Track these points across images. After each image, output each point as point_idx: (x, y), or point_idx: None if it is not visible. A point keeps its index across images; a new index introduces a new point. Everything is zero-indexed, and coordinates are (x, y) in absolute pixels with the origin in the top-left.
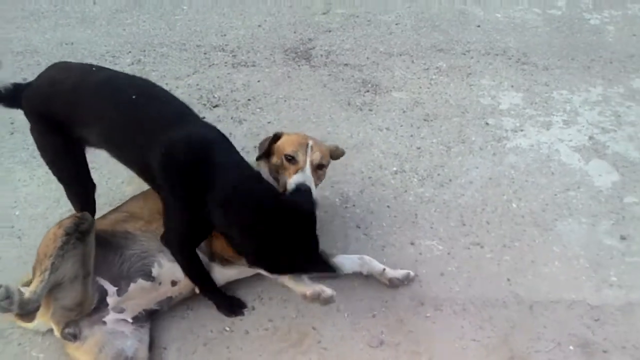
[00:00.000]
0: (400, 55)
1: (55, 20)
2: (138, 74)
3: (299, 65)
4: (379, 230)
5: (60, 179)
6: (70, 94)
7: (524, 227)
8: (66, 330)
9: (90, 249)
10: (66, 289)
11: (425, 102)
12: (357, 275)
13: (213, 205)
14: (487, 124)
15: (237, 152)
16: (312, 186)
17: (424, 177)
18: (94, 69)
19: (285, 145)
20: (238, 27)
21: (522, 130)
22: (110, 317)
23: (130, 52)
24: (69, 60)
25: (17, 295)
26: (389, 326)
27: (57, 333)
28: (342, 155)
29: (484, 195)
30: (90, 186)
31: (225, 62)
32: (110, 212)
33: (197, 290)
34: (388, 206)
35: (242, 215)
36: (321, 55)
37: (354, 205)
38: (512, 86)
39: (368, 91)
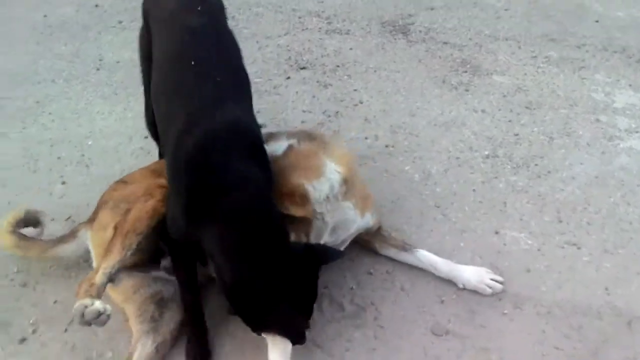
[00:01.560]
0: (507, 40)
1: None
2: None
3: (395, 39)
4: (460, 213)
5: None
6: (161, 13)
7: (631, 235)
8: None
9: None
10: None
11: (529, 89)
12: None
13: (212, 216)
14: (597, 120)
15: (267, 160)
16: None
17: (519, 165)
18: (198, 8)
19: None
20: None
21: (637, 132)
22: (158, 273)
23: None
24: None
25: (102, 306)
26: (459, 316)
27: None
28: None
29: (587, 194)
30: None
31: (319, 28)
32: None
33: None
34: (474, 190)
35: (240, 239)
36: (420, 32)
37: (435, 184)
38: (630, 85)
39: (466, 71)
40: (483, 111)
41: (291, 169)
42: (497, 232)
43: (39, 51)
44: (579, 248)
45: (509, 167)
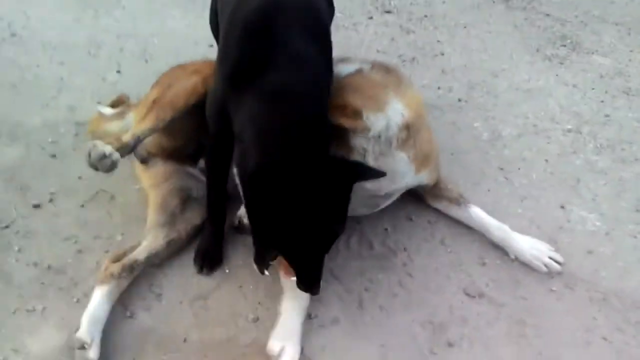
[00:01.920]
0: (616, 24)
1: None
2: None
3: (493, 1)
4: (525, 180)
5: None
6: None
7: None
8: (140, 152)
9: None
10: (170, 135)
11: (632, 75)
12: None
13: (256, 88)
14: None
15: (331, 54)
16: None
17: (603, 146)
18: None
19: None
20: None
21: None
22: (194, 171)
23: None
24: None
25: (110, 150)
26: (499, 282)
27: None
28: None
29: None
30: None
31: None
32: None
33: None
34: (546, 160)
35: (280, 122)
36: (522, 0)
37: (504, 146)
38: None
39: (565, 46)
40: (574, 86)
41: (352, 90)
42: (562, 207)
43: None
44: None
45: (591, 145)
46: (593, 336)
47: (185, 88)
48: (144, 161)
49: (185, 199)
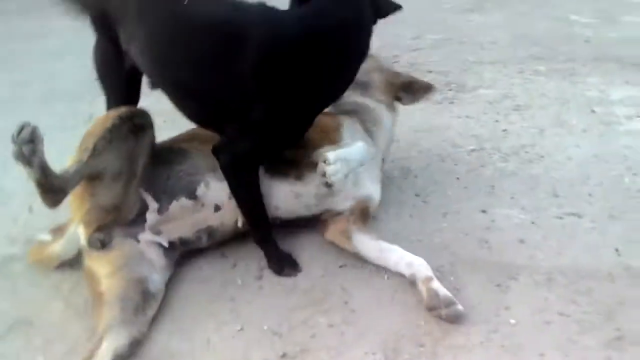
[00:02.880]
0: (493, 63)
1: None
2: None
3: None
4: (443, 199)
5: (105, 93)
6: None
7: None
8: (95, 235)
9: (142, 149)
10: (107, 185)
11: (517, 95)
12: (406, 238)
13: None
14: (593, 111)
15: None
16: None
17: (507, 154)
18: None
19: None
20: None
21: (639, 117)
22: (146, 236)
23: None
24: None
25: (41, 145)
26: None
27: (83, 240)
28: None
29: (585, 170)
30: None
31: None
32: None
33: (239, 224)
34: (457, 178)
35: None
36: (403, 66)
37: (415, 177)
38: (627, 82)
39: (451, 90)
40: (468, 116)
41: None
42: (484, 211)
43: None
44: (579, 217)
45: (496, 156)
46: (550, 315)
47: (100, 119)
48: (102, 244)
49: (145, 294)
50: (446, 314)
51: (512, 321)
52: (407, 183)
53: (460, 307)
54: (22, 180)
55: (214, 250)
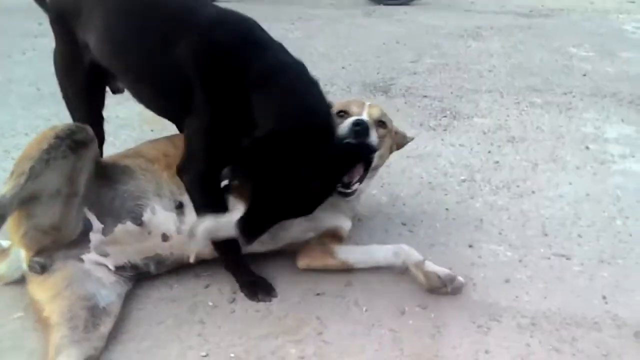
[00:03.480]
0: (489, 92)
1: None
2: None
3: (374, 95)
4: (430, 230)
5: (67, 103)
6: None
7: (632, 246)
8: (35, 259)
9: (83, 165)
10: (44, 205)
11: (512, 127)
12: (388, 268)
13: (253, 86)
14: (587, 148)
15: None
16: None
17: (498, 187)
18: None
19: (336, 106)
20: (323, 67)
21: (633, 157)
22: (91, 256)
23: None
24: None
25: None
26: (421, 330)
27: (24, 263)
28: (405, 143)
29: (577, 210)
30: (98, 121)
31: None
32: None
33: (191, 259)
34: (447, 209)
35: (294, 97)
36: (400, 89)
37: (403, 204)
38: (622, 120)
39: (446, 116)
40: (461, 145)
41: None
42: (470, 246)
43: (24, 112)
44: (568, 259)
45: (487, 189)
46: None
47: (36, 139)
48: (43, 268)
49: (94, 311)
50: (452, 289)
51: None
52: (395, 210)
53: (460, 278)
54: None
55: (186, 268)
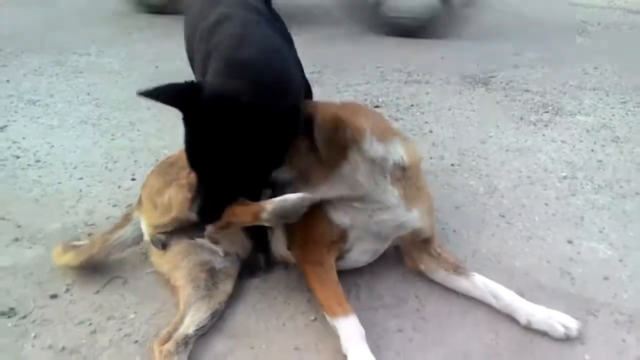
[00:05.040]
0: (594, 90)
1: None
2: (315, 82)
3: (473, 87)
4: (528, 223)
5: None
6: None
7: None
8: (157, 235)
9: None
10: None
11: (617, 127)
12: (484, 257)
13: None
14: None
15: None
16: None
17: (600, 186)
18: None
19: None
20: (421, 58)
21: None
22: (203, 241)
23: (314, 65)
24: None
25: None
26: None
27: (147, 236)
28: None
29: None
30: None
31: (399, 79)
32: None
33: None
34: (546, 204)
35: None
36: (500, 82)
37: (501, 197)
38: None
39: (547, 112)
40: (563, 141)
41: (364, 114)
42: (570, 242)
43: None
44: None
45: (589, 187)
46: (626, 357)
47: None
48: (164, 246)
49: (212, 272)
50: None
51: (587, 357)
52: (493, 202)
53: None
54: (126, 150)
55: None
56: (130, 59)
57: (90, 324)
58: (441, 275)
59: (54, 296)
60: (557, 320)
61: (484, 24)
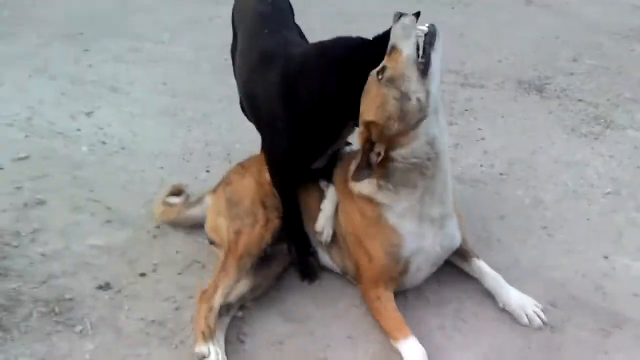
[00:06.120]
0: None
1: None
2: None
3: (528, 94)
4: (568, 236)
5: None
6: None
7: None
8: None
9: None
10: None
11: None
12: (524, 267)
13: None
14: None
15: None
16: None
17: None
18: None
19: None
20: (478, 60)
21: None
22: None
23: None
24: None
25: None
26: (549, 325)
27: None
28: None
29: None
30: None
31: (455, 82)
32: None
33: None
34: (588, 219)
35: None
36: (555, 90)
37: (545, 209)
38: None
39: (599, 124)
40: (611, 156)
41: None
42: (606, 257)
43: (215, 80)
44: None
45: (631, 204)
46: None
47: (255, 236)
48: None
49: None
50: None
51: None
52: (537, 214)
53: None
54: (201, 143)
55: None
56: (202, 49)
57: (174, 301)
58: (454, 257)
59: (142, 274)
60: (526, 310)
61: (541, 25)
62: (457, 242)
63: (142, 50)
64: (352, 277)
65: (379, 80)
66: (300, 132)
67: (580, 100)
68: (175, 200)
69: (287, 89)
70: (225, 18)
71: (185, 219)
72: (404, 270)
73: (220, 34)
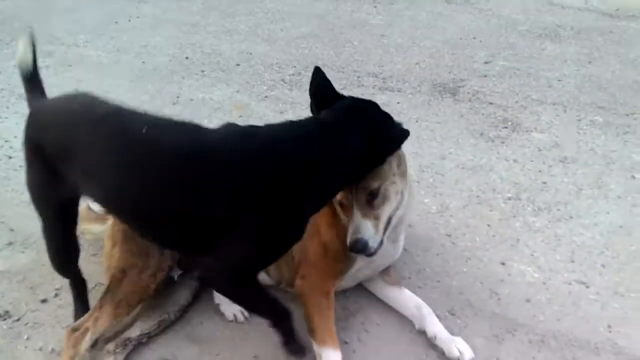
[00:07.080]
0: (553, 104)
1: (245, 37)
2: (296, 84)
3: (442, 97)
4: (470, 243)
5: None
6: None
7: None
8: None
9: None
10: None
11: (566, 146)
12: (427, 277)
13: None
14: (633, 177)
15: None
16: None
17: (540, 208)
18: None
19: None
20: (397, 62)
21: None
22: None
23: (295, 66)
24: None
25: None
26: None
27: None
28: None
29: (607, 240)
30: (72, 250)
31: (374, 85)
32: None
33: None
34: (489, 225)
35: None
36: (468, 93)
37: (450, 216)
38: None
39: (506, 127)
40: (515, 161)
41: None
42: (503, 263)
43: (131, 86)
44: (587, 287)
45: (529, 209)
46: None
47: (140, 287)
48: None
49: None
50: None
51: None
52: (442, 220)
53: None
54: None
55: None
56: (118, 52)
57: None
58: (379, 285)
59: (44, 300)
60: (456, 345)
61: (460, 25)
62: (397, 255)
63: (56, 54)
64: (288, 283)
65: None
66: None
67: (490, 103)
68: (98, 208)
69: None
70: (146, 18)
71: (83, 231)
72: (348, 267)
73: (138, 36)
